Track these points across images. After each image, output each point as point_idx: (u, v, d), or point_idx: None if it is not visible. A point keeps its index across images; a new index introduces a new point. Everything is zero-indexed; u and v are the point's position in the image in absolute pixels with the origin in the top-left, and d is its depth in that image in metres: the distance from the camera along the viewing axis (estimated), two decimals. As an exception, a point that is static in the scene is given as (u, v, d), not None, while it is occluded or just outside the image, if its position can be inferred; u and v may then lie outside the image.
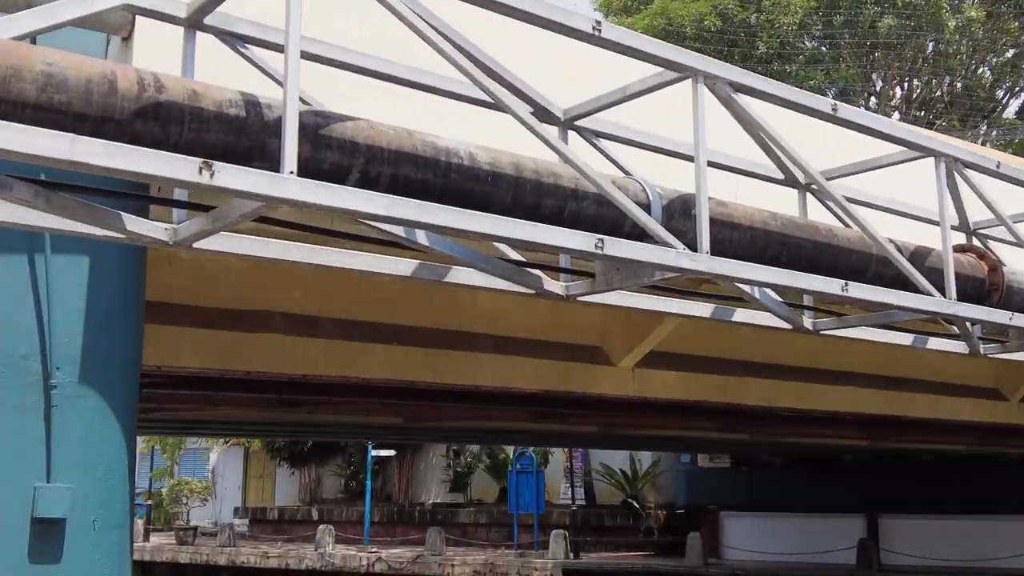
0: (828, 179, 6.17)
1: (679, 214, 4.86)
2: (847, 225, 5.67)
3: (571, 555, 25.59)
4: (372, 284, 7.89)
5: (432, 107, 4.84)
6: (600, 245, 4.15)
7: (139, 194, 4.34)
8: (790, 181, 6.16)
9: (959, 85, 27.26)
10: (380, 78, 4.66)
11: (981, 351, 7.36)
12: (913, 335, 7.04)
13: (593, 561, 26.01)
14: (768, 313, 6.09)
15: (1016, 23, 26.04)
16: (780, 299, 5.73)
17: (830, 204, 6.27)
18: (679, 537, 25.77)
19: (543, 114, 5.03)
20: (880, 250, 5.69)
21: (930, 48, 25.37)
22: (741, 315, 5.95)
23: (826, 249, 5.52)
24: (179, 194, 4.15)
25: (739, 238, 5.06)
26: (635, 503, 28.42)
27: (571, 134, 5.19)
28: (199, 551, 30.70)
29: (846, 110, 5.13)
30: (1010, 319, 6.11)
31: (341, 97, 4.35)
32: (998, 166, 6.01)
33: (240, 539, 31.96)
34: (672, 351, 9.78)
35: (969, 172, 5.84)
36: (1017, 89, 27.98)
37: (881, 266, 5.79)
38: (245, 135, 3.62)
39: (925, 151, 5.61)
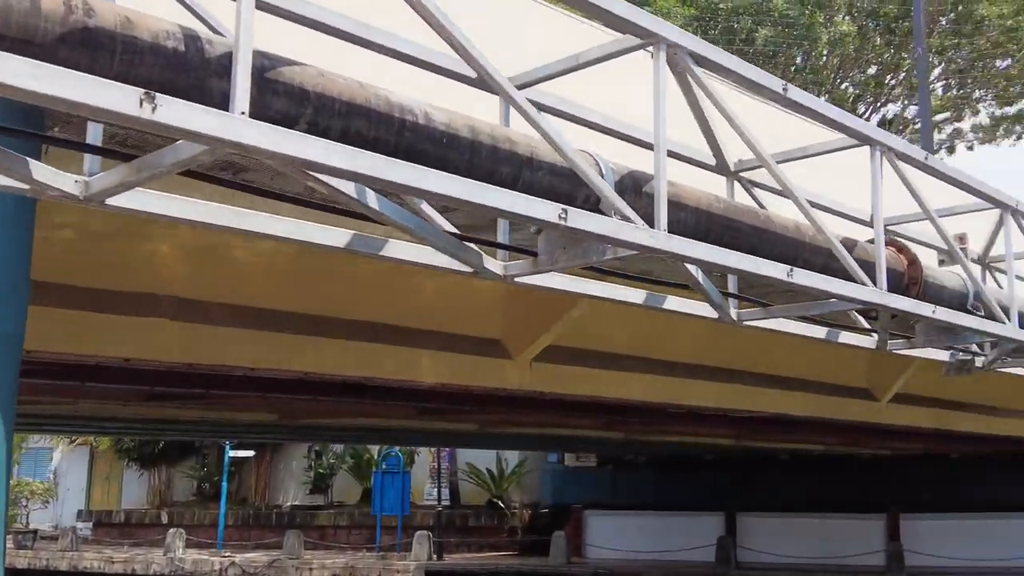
0: (752, 168, 6.09)
1: (631, 191, 4.61)
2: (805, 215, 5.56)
3: (434, 556, 25.25)
4: (262, 267, 7.39)
5: (380, 68, 4.43)
6: (564, 216, 3.85)
7: (44, 134, 3.76)
8: (721, 168, 6.01)
9: (825, 98, 28.36)
10: (329, 33, 4.23)
11: (888, 346, 7.44)
12: (827, 328, 7.04)
13: (457, 562, 25.74)
14: (694, 303, 5.94)
15: (880, 39, 27.25)
16: (715, 286, 5.56)
17: (757, 192, 6.19)
18: (543, 536, 25.80)
19: (482, 83, 4.69)
20: (814, 239, 5.60)
21: (799, 60, 26.25)
22: (672, 303, 5.77)
23: (763, 235, 5.38)
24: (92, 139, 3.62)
25: (686, 219, 4.85)
26: (500, 503, 28.28)
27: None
28: (38, 555, 28.92)
29: (795, 92, 4.99)
30: (932, 312, 6.13)
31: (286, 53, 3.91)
32: (926, 158, 6.03)
33: (83, 543, 30.25)
34: (568, 345, 9.60)
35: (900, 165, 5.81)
36: (879, 104, 29.29)
37: (810, 254, 5.70)
38: (184, 71, 3.14)
39: (864, 139, 5.55)
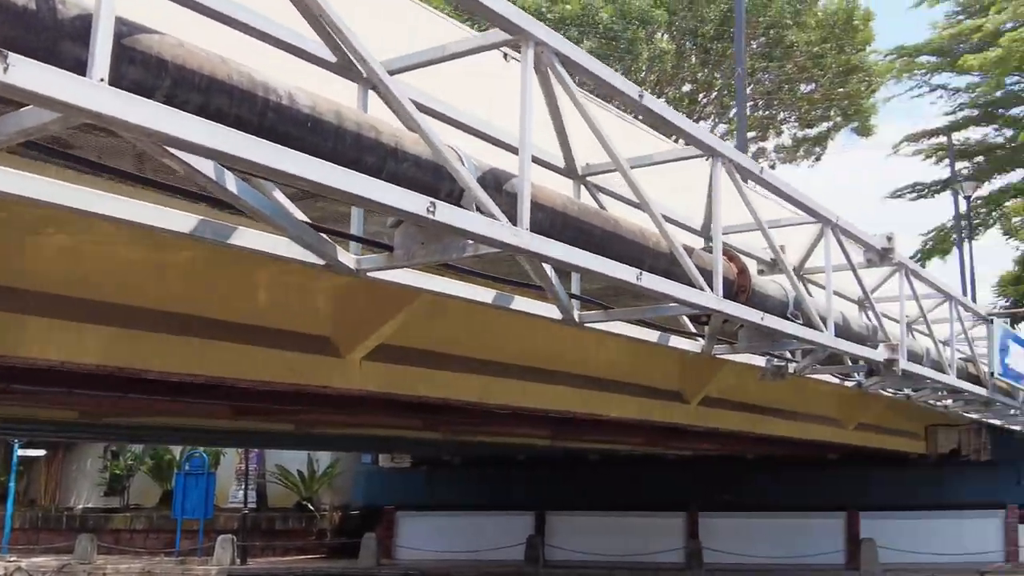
0: (600, 173, 6.18)
1: (492, 188, 4.55)
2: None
3: (237, 560, 24.43)
4: (72, 253, 6.87)
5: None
6: (432, 209, 3.75)
7: None
8: (569, 171, 6.06)
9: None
10: (187, 5, 3.97)
11: (713, 351, 7.72)
12: (659, 332, 7.23)
13: (261, 566, 25.03)
14: (540, 304, 5.97)
15: (696, 59, 28.44)
16: (563, 287, 5.59)
17: (602, 196, 6.28)
18: (354, 539, 25.44)
19: (346, 68, 4.53)
20: (658, 245, 5.72)
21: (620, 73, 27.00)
22: (520, 304, 5.76)
23: (612, 238, 5.45)
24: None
25: (543, 219, 4.84)
26: (310, 505, 27.68)
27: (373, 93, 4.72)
28: None
29: (649, 99, 5.08)
30: (761, 319, 6.38)
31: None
32: (761, 171, 6.27)
33: None
34: (400, 345, 9.46)
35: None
36: (693, 120, 30.52)
37: (654, 259, 5.82)
38: (34, 32, 2.85)
39: (709, 150, 5.72)
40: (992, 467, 23.52)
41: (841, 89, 30.37)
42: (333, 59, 4.39)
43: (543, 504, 26.11)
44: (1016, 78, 26.12)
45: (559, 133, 5.33)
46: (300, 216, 4.42)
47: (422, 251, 4.49)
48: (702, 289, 5.66)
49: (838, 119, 32.12)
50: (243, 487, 27.65)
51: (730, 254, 6.80)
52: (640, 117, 7.23)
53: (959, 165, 28.75)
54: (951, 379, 11.37)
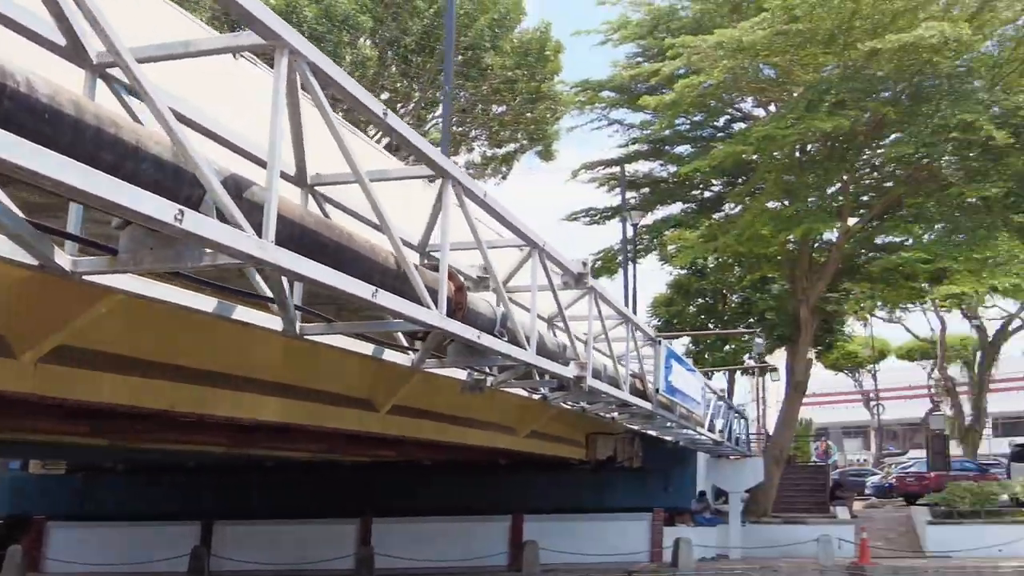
0: (329, 184, 6.10)
1: (232, 195, 4.34)
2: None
3: None
4: None
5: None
6: (180, 217, 3.52)
7: None
8: (299, 179, 5.91)
9: (341, 114, 28.94)
10: None
11: (424, 365, 7.83)
12: (374, 346, 7.22)
13: None
14: (262, 315, 5.78)
15: (396, 69, 28.58)
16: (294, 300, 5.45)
17: (335, 208, 6.19)
18: (-4, 550, 23.12)
19: (74, 51, 4.16)
20: (387, 260, 5.73)
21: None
22: (242, 314, 5.53)
23: (346, 252, 5.39)
24: None
25: (281, 230, 4.68)
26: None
27: (101, 83, 4.35)
28: None
29: (393, 119, 5.07)
30: (478, 337, 6.57)
31: None
32: (484, 195, 6.46)
33: None
34: (83, 347, 8.74)
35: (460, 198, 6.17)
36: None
37: (382, 275, 5.83)
38: None
39: (441, 171, 5.81)
40: (643, 473, 25.61)
41: (529, 114, 31.88)
42: (63, 42, 4.01)
43: (211, 512, 25.12)
44: (682, 119, 28.71)
45: (296, 142, 5.20)
46: (14, 208, 3.99)
47: (150, 257, 4.19)
48: (429, 307, 5.73)
49: (524, 142, 33.76)
50: None
51: (450, 271, 6.94)
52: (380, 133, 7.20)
53: (629, 194, 31.20)
54: (625, 395, 12.27)
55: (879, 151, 27.61)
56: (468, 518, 25.09)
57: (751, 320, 37.47)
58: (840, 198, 27.60)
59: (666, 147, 31.16)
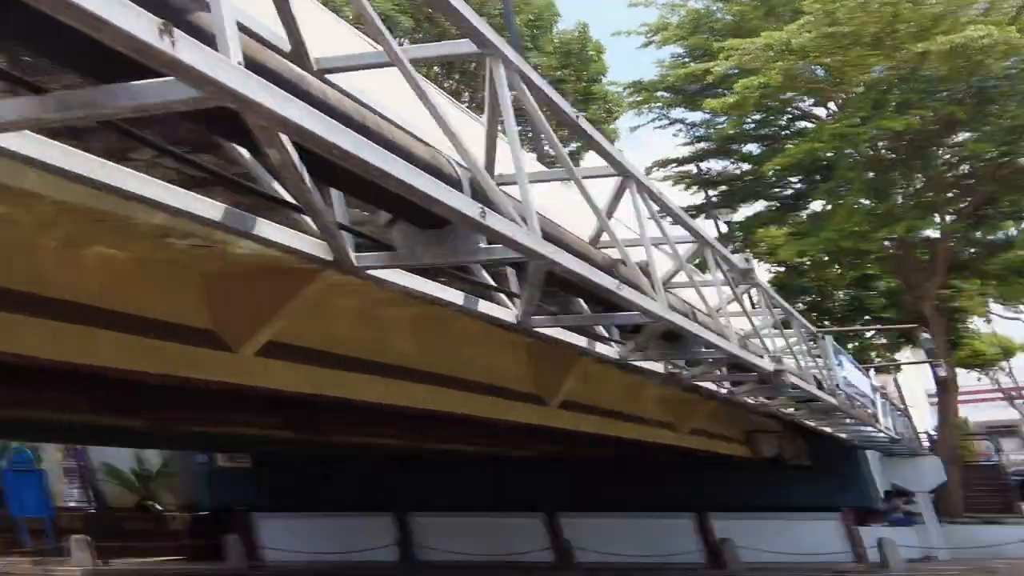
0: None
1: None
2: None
3: (99, 562, 23.23)
4: None
5: None
6: (483, 214, 3.99)
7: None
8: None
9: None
10: None
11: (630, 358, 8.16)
12: (586, 339, 7.61)
13: (126, 568, 23.85)
14: (495, 307, 6.24)
15: (438, 68, 28.93)
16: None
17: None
18: (209, 540, 24.65)
19: (298, 57, 4.62)
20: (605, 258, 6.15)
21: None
22: (482, 306, 6.02)
23: (572, 247, 5.83)
24: None
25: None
26: (157, 505, 26.64)
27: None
28: None
29: (584, 122, 5.60)
30: (696, 328, 6.90)
31: None
32: (660, 193, 6.82)
33: None
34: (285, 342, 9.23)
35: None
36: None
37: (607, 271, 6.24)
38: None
39: (624, 172, 6.22)
40: (814, 472, 24.74)
41: (583, 113, 31.59)
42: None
43: (402, 505, 25.81)
44: (746, 118, 28.93)
45: (489, 146, 5.39)
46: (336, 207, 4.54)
47: (427, 252, 4.69)
48: (654, 299, 6.11)
49: (581, 144, 33.63)
50: (78, 486, 26.34)
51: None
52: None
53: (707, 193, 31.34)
54: (813, 388, 12.32)
55: (955, 149, 27.39)
56: (652, 515, 24.60)
57: (866, 317, 36.35)
58: (929, 194, 27.41)
59: (734, 145, 31.07)
